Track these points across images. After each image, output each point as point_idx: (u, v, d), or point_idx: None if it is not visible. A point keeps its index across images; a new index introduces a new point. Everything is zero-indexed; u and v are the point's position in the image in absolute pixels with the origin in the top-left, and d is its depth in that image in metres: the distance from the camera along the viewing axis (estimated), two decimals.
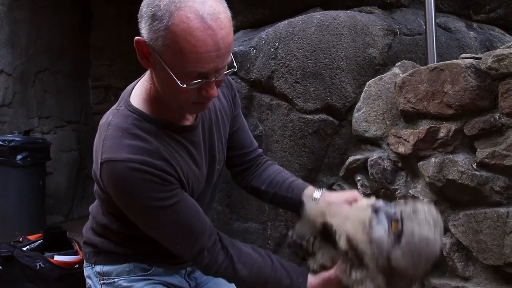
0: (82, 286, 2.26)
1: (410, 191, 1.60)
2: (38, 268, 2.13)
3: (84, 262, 1.41)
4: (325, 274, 1.21)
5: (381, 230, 1.08)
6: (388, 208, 1.11)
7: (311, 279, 1.23)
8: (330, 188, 1.83)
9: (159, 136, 1.16)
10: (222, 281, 1.31)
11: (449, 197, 1.53)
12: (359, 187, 1.72)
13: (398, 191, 1.63)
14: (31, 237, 2.40)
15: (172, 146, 1.18)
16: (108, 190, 1.16)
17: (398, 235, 1.04)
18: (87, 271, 1.40)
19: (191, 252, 1.21)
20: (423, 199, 1.56)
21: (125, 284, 1.32)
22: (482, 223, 1.45)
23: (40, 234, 2.41)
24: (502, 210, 1.41)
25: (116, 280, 1.33)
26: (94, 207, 1.40)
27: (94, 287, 1.37)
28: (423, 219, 1.05)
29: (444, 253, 1.54)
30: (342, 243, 1.15)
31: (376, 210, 1.11)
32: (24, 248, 2.26)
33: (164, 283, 1.37)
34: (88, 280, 1.39)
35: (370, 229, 1.09)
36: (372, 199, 1.25)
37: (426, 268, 1.07)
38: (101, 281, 1.35)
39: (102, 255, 1.36)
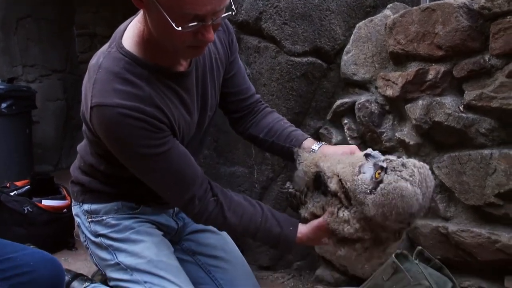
0: (70, 230, 2.30)
1: (396, 134, 1.61)
2: (26, 212, 2.14)
3: (72, 200, 1.42)
4: (314, 222, 1.23)
5: (366, 176, 1.08)
6: (379, 157, 1.11)
7: (301, 227, 1.26)
8: (316, 132, 1.83)
9: (151, 82, 1.14)
10: None
11: (435, 139, 1.54)
12: (346, 130, 1.73)
13: (385, 134, 1.64)
14: (18, 183, 2.40)
15: (164, 93, 1.16)
16: (99, 134, 1.15)
17: (377, 183, 1.04)
18: (75, 209, 1.41)
19: (181, 200, 1.22)
20: (409, 142, 1.57)
21: (113, 222, 1.34)
22: (465, 165, 1.47)
23: (27, 180, 2.42)
24: (486, 152, 1.43)
25: (104, 218, 1.34)
26: (82, 146, 1.39)
27: (82, 225, 1.38)
28: (409, 173, 1.03)
29: None
30: (332, 184, 1.17)
31: (367, 156, 1.11)
32: (12, 193, 2.26)
33: (151, 222, 1.39)
34: (76, 219, 1.40)
35: (357, 174, 1.10)
36: (369, 150, 1.25)
37: (399, 222, 1.07)
38: (89, 219, 1.36)
39: (90, 194, 1.36)
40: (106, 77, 1.10)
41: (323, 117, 1.83)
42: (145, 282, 1.27)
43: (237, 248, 1.55)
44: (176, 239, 1.49)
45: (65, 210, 2.24)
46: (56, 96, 4.37)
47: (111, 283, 1.34)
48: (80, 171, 1.38)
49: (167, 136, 1.16)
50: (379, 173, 1.05)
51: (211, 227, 1.45)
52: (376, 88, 1.65)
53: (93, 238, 1.35)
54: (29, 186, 2.36)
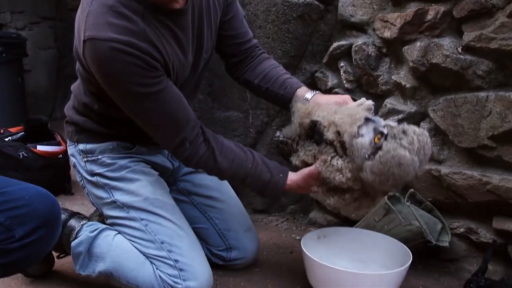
0: (67, 176, 2.31)
1: (393, 77, 1.60)
2: (21, 157, 2.14)
3: (67, 141, 1.42)
4: (306, 170, 1.24)
5: (364, 139, 1.08)
6: (380, 121, 1.10)
7: (291, 175, 1.27)
8: (312, 76, 1.81)
9: (146, 18, 1.11)
10: None
11: (431, 82, 1.53)
12: (342, 73, 1.71)
13: (381, 78, 1.62)
14: (12, 129, 2.39)
15: (159, 30, 1.13)
16: (92, 70, 1.13)
17: (376, 149, 1.05)
18: (70, 149, 1.41)
19: (172, 142, 1.22)
20: (405, 85, 1.56)
21: (108, 161, 1.34)
22: (461, 107, 1.46)
23: (21, 127, 2.40)
24: (482, 94, 1.42)
25: (99, 157, 1.35)
26: (76, 85, 1.37)
27: (78, 165, 1.39)
28: (409, 141, 1.03)
29: None
30: (329, 134, 1.17)
31: (368, 119, 1.11)
32: (6, 139, 2.26)
33: (147, 161, 1.40)
34: (72, 158, 1.41)
35: (356, 135, 1.10)
36: (362, 100, 1.25)
37: (393, 186, 1.08)
38: (85, 159, 1.36)
39: (84, 133, 1.36)
40: (99, 9, 1.07)
41: (319, 61, 1.80)
42: (141, 219, 1.29)
43: (232, 189, 1.57)
44: (171, 180, 1.50)
45: (61, 155, 2.24)
46: (47, 44, 4.27)
47: (108, 221, 1.37)
48: (75, 110, 1.37)
49: (161, 76, 1.14)
50: (378, 138, 1.05)
51: None
52: (374, 30, 1.62)
53: (89, 177, 1.36)
54: (23, 133, 2.35)
